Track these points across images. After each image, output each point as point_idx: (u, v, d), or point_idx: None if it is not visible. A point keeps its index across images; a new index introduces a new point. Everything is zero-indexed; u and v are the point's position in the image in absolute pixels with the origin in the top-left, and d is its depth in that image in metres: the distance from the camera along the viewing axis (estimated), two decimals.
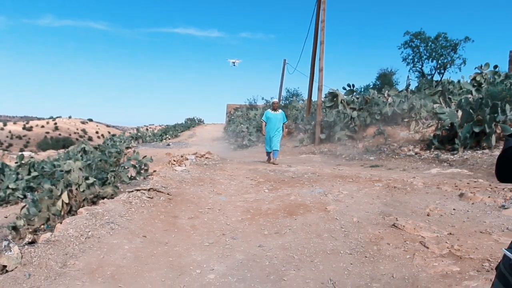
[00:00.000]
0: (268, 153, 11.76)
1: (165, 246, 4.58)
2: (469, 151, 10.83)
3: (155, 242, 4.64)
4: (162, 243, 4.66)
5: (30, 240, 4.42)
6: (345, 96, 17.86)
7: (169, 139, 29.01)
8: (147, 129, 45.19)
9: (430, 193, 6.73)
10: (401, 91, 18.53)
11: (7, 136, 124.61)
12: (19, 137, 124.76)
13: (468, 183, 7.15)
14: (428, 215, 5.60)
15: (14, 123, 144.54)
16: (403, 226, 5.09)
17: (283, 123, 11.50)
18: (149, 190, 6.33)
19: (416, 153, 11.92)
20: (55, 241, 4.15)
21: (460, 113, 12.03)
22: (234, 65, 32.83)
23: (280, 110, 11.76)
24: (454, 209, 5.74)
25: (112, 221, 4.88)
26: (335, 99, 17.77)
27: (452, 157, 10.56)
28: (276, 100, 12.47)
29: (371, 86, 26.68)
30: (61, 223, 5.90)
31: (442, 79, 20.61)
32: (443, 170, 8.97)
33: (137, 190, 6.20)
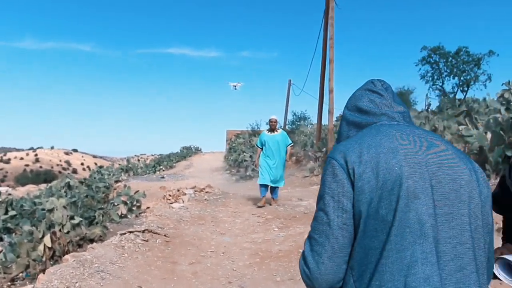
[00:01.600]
0: (263, 187, 9.53)
1: None
2: None
3: None
4: None
5: None
6: None
7: (164, 170, 28.91)
8: (138, 160, 45.21)
9: None
10: (421, 111, 18.53)
11: None
12: None
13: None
14: None
15: None
16: None
17: (287, 146, 9.65)
18: (143, 231, 6.21)
19: None
20: None
21: (489, 135, 11.94)
22: (236, 88, 33.01)
23: (280, 130, 9.89)
24: None
25: (102, 269, 4.75)
26: None
27: None
28: (274, 117, 9.83)
29: None
30: (43, 271, 5.77)
31: (466, 97, 20.61)
32: None
33: (130, 232, 6.08)
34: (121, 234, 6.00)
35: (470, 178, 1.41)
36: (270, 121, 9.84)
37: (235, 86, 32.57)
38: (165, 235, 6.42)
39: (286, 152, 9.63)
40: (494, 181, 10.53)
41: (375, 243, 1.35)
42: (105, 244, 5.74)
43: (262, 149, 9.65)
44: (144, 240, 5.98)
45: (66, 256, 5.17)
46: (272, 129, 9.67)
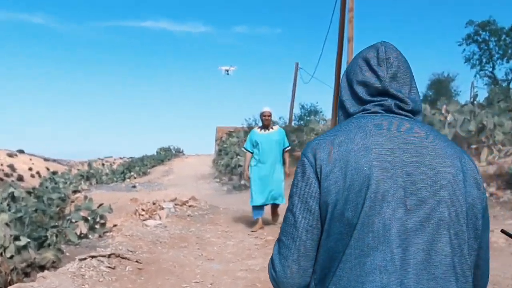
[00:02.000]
0: (257, 209, 9.05)
1: None
2: None
3: None
4: None
5: None
6: None
7: (135, 178, 28.94)
8: (103, 164, 45.02)
9: None
10: (465, 104, 18.56)
11: None
12: None
13: None
14: None
15: None
16: None
17: (284, 149, 9.12)
18: (109, 256, 6.23)
19: (491, 194, 11.82)
20: None
21: None
22: (228, 73, 32.99)
23: (276, 127, 9.48)
24: None
25: None
26: None
27: None
28: (267, 109, 9.19)
29: (421, 99, 26.81)
30: None
31: None
32: None
33: (92, 256, 6.09)
34: (81, 260, 6.02)
35: (455, 178, 1.52)
36: (262, 115, 9.26)
37: (227, 71, 32.58)
38: (137, 261, 6.44)
39: (284, 159, 9.17)
40: None
41: (339, 247, 1.52)
42: (60, 272, 5.75)
43: (252, 153, 9.09)
44: (110, 267, 6.00)
45: None
46: (265, 126, 9.15)
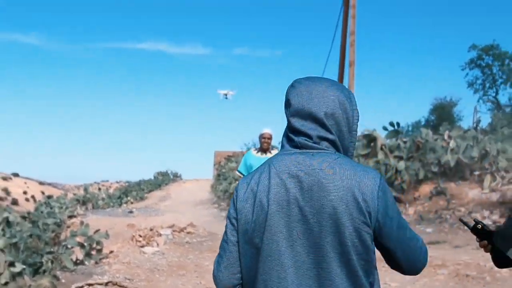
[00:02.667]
0: None
1: None
2: None
3: None
4: None
5: None
6: (387, 140, 17.93)
7: (132, 203, 28.85)
8: (99, 189, 44.96)
9: None
10: (468, 130, 18.60)
11: None
12: None
13: None
14: None
15: None
16: None
17: None
18: (106, 284, 6.25)
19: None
20: None
21: None
22: (226, 97, 32.82)
23: (276, 150, 8.31)
24: None
25: None
26: (372, 143, 17.81)
27: None
28: (267, 131, 8.46)
29: (423, 124, 26.78)
30: None
31: None
32: None
33: (89, 284, 6.12)
34: (77, 287, 6.04)
35: (336, 210, 1.86)
36: (261, 136, 8.36)
37: (226, 95, 32.53)
38: None
39: None
40: None
41: (253, 264, 1.96)
42: None
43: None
44: None
45: None
46: (264, 149, 8.32)
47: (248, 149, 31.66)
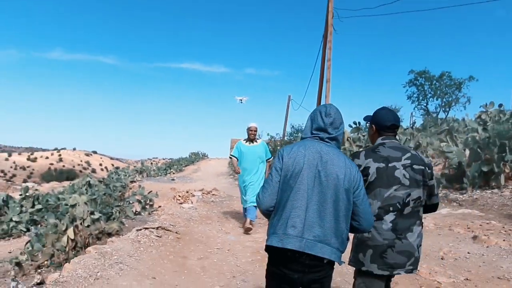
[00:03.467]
0: (244, 210, 7.68)
1: None
2: (478, 191, 10.71)
3: (165, 284, 4.52)
4: (172, 285, 4.53)
5: (38, 281, 4.30)
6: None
7: (174, 173, 28.83)
8: (151, 163, 45.00)
9: (443, 235, 6.60)
10: (407, 128, 18.51)
11: (11, 167, 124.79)
12: (23, 168, 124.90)
13: (480, 225, 7.02)
14: (442, 258, 5.48)
15: (19, 153, 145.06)
16: (418, 270, 4.96)
17: (267, 160, 7.70)
18: (157, 228, 6.23)
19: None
20: (64, 282, 4.05)
21: (467, 152, 11.97)
22: (242, 102, 32.54)
23: (260, 141, 7.87)
24: (468, 253, 5.62)
25: (121, 261, 4.76)
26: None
27: (461, 196, 10.43)
28: (253, 124, 7.70)
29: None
30: (66, 260, 5.78)
31: (447, 117, 20.62)
32: (454, 211, 8.83)
33: (146, 228, 6.09)
34: (138, 230, 6.01)
35: (338, 176, 2.44)
36: (249, 129, 7.63)
37: (241, 100, 32.20)
38: (176, 232, 6.42)
39: (266, 168, 7.67)
40: (470, 193, 10.54)
41: (285, 196, 2.45)
42: (124, 238, 5.75)
43: (238, 159, 7.64)
44: (158, 236, 5.99)
45: (89, 248, 5.19)
46: (250, 139, 7.65)
47: (238, 139, 31.64)
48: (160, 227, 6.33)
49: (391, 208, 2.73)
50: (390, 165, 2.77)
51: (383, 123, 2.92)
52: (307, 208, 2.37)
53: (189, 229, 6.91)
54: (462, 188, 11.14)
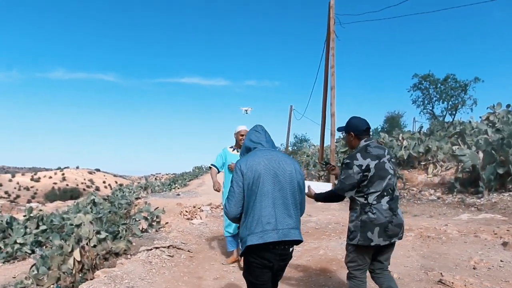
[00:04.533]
0: (229, 238, 5.88)
1: None
2: (494, 194, 10.34)
3: None
4: None
5: None
6: None
7: (178, 188, 28.43)
8: (155, 179, 44.79)
9: (469, 243, 6.23)
10: (414, 133, 18.19)
11: (14, 188, 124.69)
12: (27, 188, 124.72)
13: (508, 230, 6.64)
14: (474, 268, 5.11)
15: (23, 174, 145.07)
16: (452, 282, 4.60)
17: None
18: (168, 247, 5.88)
19: (438, 198, 11.42)
20: None
21: (481, 154, 11.60)
22: (247, 113, 32.09)
23: None
24: (501, 261, 5.25)
25: (132, 285, 4.41)
26: None
27: (479, 201, 10.05)
28: (243, 128, 5.76)
29: (379, 130, 26.43)
30: (73, 283, 5.43)
31: (454, 120, 20.28)
32: (474, 216, 8.45)
33: (156, 248, 5.74)
34: (148, 250, 5.66)
35: (291, 171, 2.98)
36: (239, 133, 5.76)
37: (246, 111, 31.86)
38: (188, 251, 6.08)
39: None
40: (487, 197, 10.17)
41: (251, 200, 2.86)
42: (134, 259, 5.40)
43: (219, 171, 6.04)
44: (169, 255, 5.64)
45: (98, 272, 4.85)
46: (240, 146, 5.70)
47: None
48: (171, 245, 5.99)
49: (385, 193, 3.38)
50: (381, 161, 3.41)
51: (360, 128, 3.53)
52: (274, 204, 2.85)
53: (201, 247, 6.55)
54: (477, 192, 10.77)
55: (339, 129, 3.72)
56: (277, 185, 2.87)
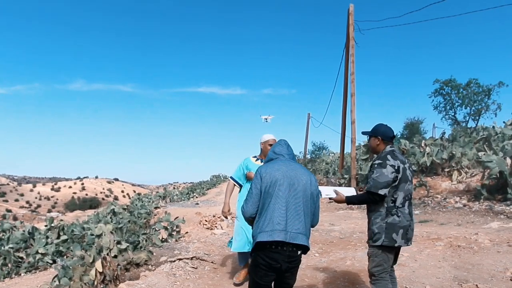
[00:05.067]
0: (240, 255, 5.20)
1: None
2: None
3: None
4: None
5: None
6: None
7: (197, 197, 28.41)
8: (173, 188, 44.92)
9: (503, 252, 5.96)
10: (436, 139, 17.81)
11: (35, 197, 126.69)
12: (47, 198, 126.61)
13: None
14: (511, 279, 4.85)
15: (43, 184, 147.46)
16: None
17: None
18: (191, 258, 5.75)
19: (464, 205, 11.08)
20: None
21: (508, 160, 11.25)
22: (267, 121, 31.86)
23: None
24: None
25: None
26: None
27: (508, 208, 9.71)
28: (271, 137, 5.02)
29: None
30: None
31: (477, 125, 19.81)
32: (505, 224, 8.14)
33: (179, 259, 5.62)
34: (171, 262, 5.55)
35: (306, 182, 3.19)
36: (267, 143, 4.99)
37: (267, 119, 31.70)
38: (212, 262, 5.95)
39: None
40: None
41: (266, 202, 3.09)
42: (157, 272, 5.29)
43: (240, 186, 5.33)
44: (193, 267, 5.51)
45: (121, 285, 4.75)
46: (265, 156, 4.99)
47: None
48: (194, 257, 5.87)
49: (406, 198, 3.57)
50: (405, 166, 3.59)
51: (388, 135, 3.72)
52: (287, 208, 3.04)
53: (225, 258, 6.40)
54: (506, 199, 10.42)
55: (364, 133, 3.88)
56: (292, 192, 3.10)
